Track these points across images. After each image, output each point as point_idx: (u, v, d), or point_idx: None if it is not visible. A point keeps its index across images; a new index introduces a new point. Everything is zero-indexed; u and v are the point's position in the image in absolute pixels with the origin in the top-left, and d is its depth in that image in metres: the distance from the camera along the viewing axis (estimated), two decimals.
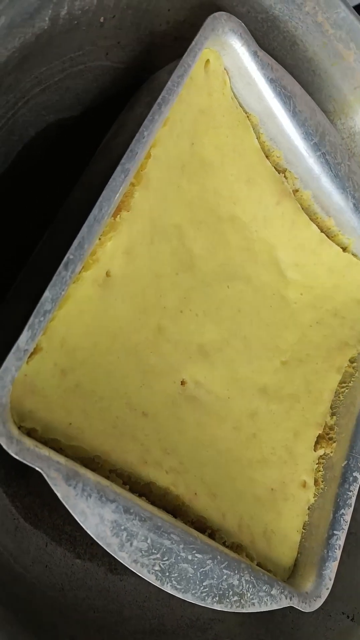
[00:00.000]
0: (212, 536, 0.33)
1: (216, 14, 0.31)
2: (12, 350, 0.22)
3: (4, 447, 0.22)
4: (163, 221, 0.33)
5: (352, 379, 0.41)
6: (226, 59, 0.34)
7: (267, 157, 0.38)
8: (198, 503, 0.32)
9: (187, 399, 0.34)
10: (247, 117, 0.36)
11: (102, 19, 0.30)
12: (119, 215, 0.29)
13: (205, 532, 0.33)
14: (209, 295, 0.36)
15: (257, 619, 0.36)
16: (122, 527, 0.26)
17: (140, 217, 0.31)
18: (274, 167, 0.38)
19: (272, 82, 0.34)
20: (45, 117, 0.31)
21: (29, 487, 0.31)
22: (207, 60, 0.33)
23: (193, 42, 0.30)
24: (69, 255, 0.24)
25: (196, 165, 0.35)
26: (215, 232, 0.36)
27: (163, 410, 0.33)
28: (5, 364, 0.22)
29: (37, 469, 0.23)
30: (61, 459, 0.24)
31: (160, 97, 0.28)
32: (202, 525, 0.32)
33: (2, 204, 0.31)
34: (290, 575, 0.36)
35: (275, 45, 0.38)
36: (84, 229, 0.25)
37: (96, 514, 0.25)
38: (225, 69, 0.34)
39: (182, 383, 0.34)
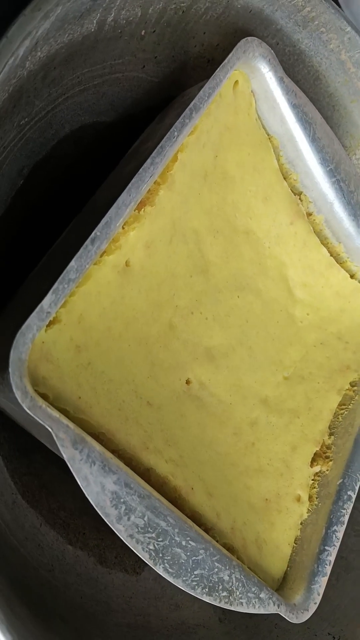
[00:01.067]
0: (207, 533, 0.33)
1: (249, 38, 0.34)
2: (36, 310, 0.24)
3: (19, 399, 0.23)
4: (183, 223, 0.34)
5: (352, 401, 0.42)
6: (254, 82, 0.36)
7: (284, 178, 0.40)
8: (194, 498, 0.32)
9: (191, 397, 0.35)
10: (269, 139, 0.38)
11: (143, 32, 0.32)
12: (143, 209, 0.31)
13: (200, 528, 0.33)
14: (219, 301, 0.38)
15: (242, 630, 0.36)
16: (122, 500, 0.26)
17: (162, 215, 0.32)
18: (291, 189, 0.40)
19: (295, 107, 0.37)
20: (81, 118, 0.33)
21: (29, 467, 0.32)
22: (236, 82, 0.36)
23: (226, 60, 0.32)
24: (96, 232, 0.26)
25: (218, 176, 0.37)
26: (230, 242, 0.38)
27: (167, 404, 0.33)
28: (28, 322, 0.23)
29: (47, 427, 0.24)
30: (70, 424, 0.25)
31: (192, 103, 0.31)
32: (197, 521, 0.33)
33: (33, 192, 0.33)
34: (278, 587, 0.36)
35: (300, 78, 0.41)
36: (113, 209, 0.27)
37: (98, 482, 0.25)
38: (252, 92, 0.37)
39: (187, 382, 0.35)
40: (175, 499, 0.32)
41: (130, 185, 0.27)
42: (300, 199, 0.40)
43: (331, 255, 0.43)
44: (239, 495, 0.36)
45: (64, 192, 0.35)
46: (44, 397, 0.26)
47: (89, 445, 0.25)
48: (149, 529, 0.27)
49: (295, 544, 0.37)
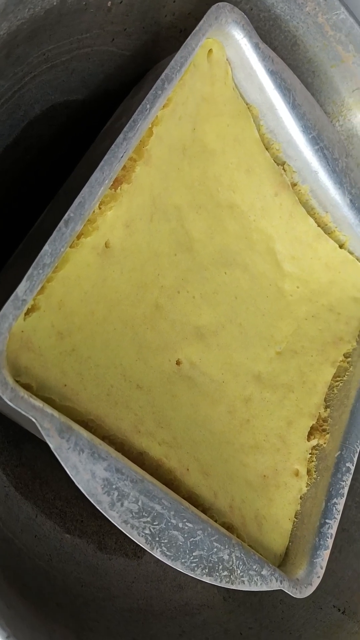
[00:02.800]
0: (204, 514, 0.32)
1: (220, 3, 0.32)
2: (11, 298, 0.23)
3: None
4: (163, 200, 0.34)
5: (347, 373, 0.41)
6: (228, 50, 0.35)
7: (266, 149, 0.39)
8: (190, 479, 0.32)
9: (181, 378, 0.35)
10: (248, 108, 0.37)
11: (109, 3, 0.31)
12: (120, 187, 0.30)
13: (197, 509, 0.32)
14: (206, 279, 0.37)
15: (246, 608, 0.36)
16: (114, 486, 0.26)
17: (140, 191, 0.31)
18: (273, 160, 0.39)
19: (273, 74, 0.36)
20: (51, 97, 0.32)
21: (21, 458, 0.31)
22: (210, 50, 0.34)
23: (197, 27, 0.31)
24: (69, 213, 0.25)
25: (197, 150, 0.36)
26: (214, 217, 0.37)
27: (157, 386, 0.33)
28: (3, 311, 0.23)
29: (30, 417, 0.23)
30: (55, 412, 0.24)
31: (164, 74, 0.29)
32: (194, 502, 0.32)
33: (6, 177, 0.32)
34: (281, 563, 0.36)
35: (277, 45, 0.39)
36: (85, 189, 0.26)
37: (88, 470, 0.25)
38: (227, 60, 0.35)
39: (178, 362, 0.35)
40: (171, 481, 0.32)
41: (103, 162, 0.26)
42: (284, 169, 0.39)
43: (319, 225, 0.42)
44: (235, 473, 0.36)
45: (39, 175, 0.34)
46: (27, 387, 0.25)
47: (76, 433, 0.25)
48: (144, 514, 0.27)
49: (296, 518, 0.37)
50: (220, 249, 0.38)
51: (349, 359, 0.42)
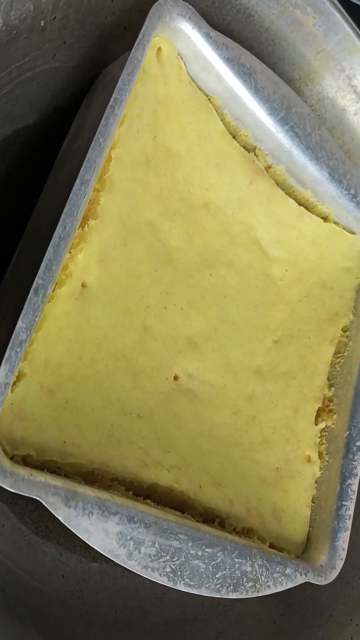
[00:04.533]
0: (222, 524, 0.33)
1: (161, 0, 0.30)
2: None
3: None
4: (134, 220, 0.32)
5: (347, 348, 0.41)
6: (178, 44, 0.32)
7: (234, 137, 0.37)
8: (204, 495, 0.33)
9: (181, 392, 0.35)
10: (209, 99, 0.35)
11: (42, 23, 0.29)
12: (86, 225, 0.29)
13: (215, 521, 0.33)
14: (191, 286, 0.36)
15: (276, 595, 0.37)
16: (128, 537, 0.26)
17: (109, 221, 0.30)
18: (243, 146, 0.37)
19: (229, 61, 0.33)
20: (0, 131, 0.31)
21: (36, 501, 0.32)
22: (159, 49, 0.32)
23: (140, 35, 0.29)
24: (37, 280, 0.24)
25: (162, 157, 0.34)
26: (190, 220, 0.36)
27: (158, 409, 0.33)
28: None
29: (34, 497, 0.23)
30: (58, 482, 0.24)
31: (112, 98, 0.28)
32: (210, 516, 0.33)
33: None
34: (303, 550, 0.37)
35: (230, 20, 0.37)
36: (50, 249, 0.25)
37: (100, 529, 0.25)
38: (178, 55, 0.33)
39: (175, 378, 0.35)
40: (185, 502, 0.32)
41: (63, 215, 0.25)
42: (255, 154, 0.38)
43: (300, 203, 0.40)
44: (248, 473, 0.36)
45: (4, 210, 0.33)
46: (26, 457, 0.25)
47: (82, 497, 0.25)
48: (162, 554, 0.27)
49: (313, 503, 0.38)
50: (202, 251, 0.37)
51: (348, 333, 0.41)
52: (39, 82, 0.31)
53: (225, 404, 0.36)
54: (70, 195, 0.26)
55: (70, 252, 0.28)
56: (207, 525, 0.32)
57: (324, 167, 0.38)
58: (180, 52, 0.33)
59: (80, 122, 0.33)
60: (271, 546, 0.35)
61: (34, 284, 0.24)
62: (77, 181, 0.26)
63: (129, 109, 0.30)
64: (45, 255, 0.25)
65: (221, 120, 0.36)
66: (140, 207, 0.33)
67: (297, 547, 0.36)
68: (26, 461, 0.25)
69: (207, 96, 0.35)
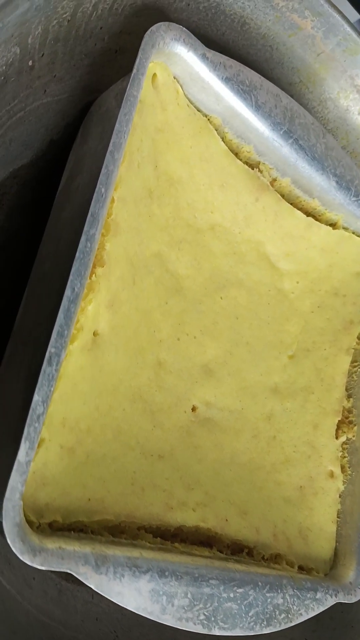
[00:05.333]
0: (250, 554, 0.33)
1: (153, 27, 0.28)
2: (15, 467, 0.22)
3: (29, 563, 0.22)
4: (140, 256, 0.31)
5: None
6: (174, 67, 0.31)
7: (236, 154, 0.36)
8: (230, 528, 0.33)
9: (200, 423, 0.34)
10: (208, 119, 0.34)
11: (30, 62, 0.27)
12: (94, 274, 0.28)
13: (243, 551, 0.33)
14: (202, 312, 0.35)
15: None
16: (161, 592, 0.26)
17: (116, 265, 0.29)
18: (247, 162, 0.36)
19: (228, 80, 0.32)
20: None
21: None
22: (154, 74, 0.31)
23: (134, 69, 0.27)
24: (50, 348, 0.23)
25: (164, 186, 0.33)
26: (197, 246, 0.35)
27: (178, 445, 0.32)
28: (10, 483, 0.22)
29: (65, 571, 0.23)
30: (87, 548, 0.24)
31: (111, 143, 0.26)
32: (238, 547, 0.33)
33: None
34: (332, 567, 0.37)
35: (225, 30, 0.35)
36: (60, 315, 0.24)
37: (132, 590, 0.25)
38: (175, 78, 0.32)
39: (193, 409, 0.34)
40: (212, 538, 0.32)
41: (71, 277, 0.24)
42: (259, 169, 0.36)
43: (307, 213, 0.39)
44: (272, 496, 0.36)
45: (7, 255, 0.32)
46: (52, 524, 0.25)
47: (112, 559, 0.25)
48: (195, 602, 0.27)
49: (339, 518, 0.38)
50: (211, 275, 0.36)
51: None
52: (32, 120, 0.30)
53: (245, 427, 0.36)
54: (77, 254, 0.25)
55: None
56: (236, 557, 0.33)
57: (330, 177, 0.37)
58: (176, 75, 0.31)
59: (77, 157, 0.32)
60: (300, 568, 0.35)
61: (47, 354, 0.23)
62: (82, 238, 0.25)
63: (128, 145, 0.29)
64: (57, 322, 0.24)
65: (222, 139, 0.35)
66: (147, 242, 0.32)
67: (325, 564, 0.37)
68: (52, 526, 0.25)
69: (206, 116, 0.34)
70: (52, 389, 0.23)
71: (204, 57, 0.31)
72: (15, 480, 0.22)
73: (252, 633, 0.29)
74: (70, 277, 0.24)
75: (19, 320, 0.30)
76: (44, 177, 0.32)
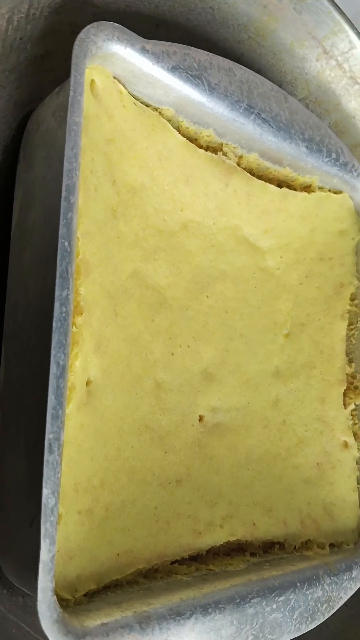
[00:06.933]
0: (282, 548, 0.34)
1: (81, 34, 0.25)
2: (40, 568, 0.21)
3: None
4: (117, 283, 0.29)
5: (359, 318, 0.39)
6: (113, 68, 0.27)
7: (196, 140, 0.33)
8: (259, 532, 0.32)
9: (210, 432, 0.33)
10: (159, 113, 0.30)
11: None
12: (74, 326, 0.26)
13: (274, 547, 0.33)
14: (191, 318, 0.33)
15: None
16: (208, 630, 0.26)
17: (95, 306, 0.27)
18: (208, 147, 0.33)
19: (175, 69, 0.28)
20: None
21: None
22: (92, 81, 0.27)
23: (71, 90, 0.24)
24: (48, 435, 0.22)
25: (127, 198, 0.30)
26: (173, 250, 0.33)
27: (194, 463, 0.32)
28: (40, 585, 0.21)
29: None
30: (128, 612, 0.24)
31: (64, 186, 0.23)
32: (269, 546, 0.33)
33: None
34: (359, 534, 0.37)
35: (158, 2, 0.31)
36: (51, 396, 0.22)
37: (182, 636, 0.25)
38: (115, 79, 0.28)
39: (200, 419, 0.33)
40: (244, 545, 0.32)
41: (53, 350, 0.22)
42: (223, 152, 0.33)
43: (280, 181, 0.37)
44: (292, 482, 0.36)
45: None
46: (89, 593, 0.25)
47: (154, 616, 0.24)
48: (242, 627, 0.27)
49: (359, 484, 0.38)
50: (193, 276, 0.34)
51: (357, 301, 0.39)
52: None
53: (254, 421, 0.35)
54: (54, 324, 0.22)
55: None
56: (269, 555, 0.33)
57: (300, 143, 0.34)
58: (117, 75, 0.28)
59: (26, 186, 0.29)
60: (331, 546, 0.35)
61: (46, 442, 0.22)
62: (56, 305, 0.23)
63: (81, 172, 0.26)
64: (48, 404, 0.22)
65: (178, 129, 0.31)
66: (120, 266, 0.29)
67: (353, 534, 0.37)
68: (87, 593, 0.25)
69: (157, 110, 0.30)
70: (59, 475, 0.22)
71: (143, 51, 0.27)
72: (44, 581, 0.21)
73: (299, 634, 0.30)
74: (53, 352, 0.22)
75: (4, 384, 0.28)
76: None
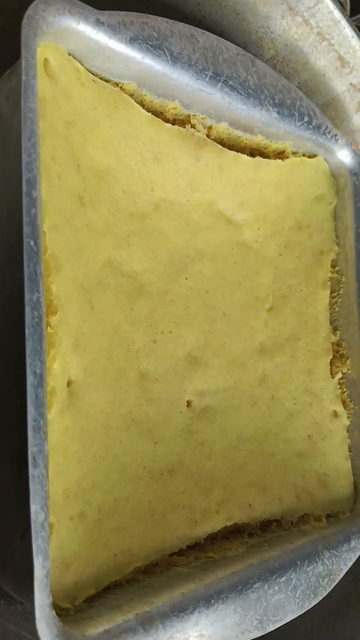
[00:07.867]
0: (279, 525, 0.33)
1: (29, 11, 0.23)
2: (35, 585, 0.20)
3: None
4: (91, 275, 0.28)
5: (341, 285, 0.38)
6: (67, 44, 0.25)
7: (161, 113, 0.31)
8: (255, 512, 0.32)
9: (199, 416, 0.32)
10: (121, 88, 0.28)
11: None
12: (49, 327, 0.24)
13: (272, 525, 0.33)
14: (171, 302, 0.32)
15: None
16: (212, 622, 0.26)
17: (69, 303, 0.26)
18: (175, 120, 0.31)
19: (133, 40, 0.26)
20: None
21: None
22: (45, 60, 0.25)
23: (23, 74, 0.22)
24: (31, 448, 0.21)
25: (94, 183, 0.28)
26: (147, 233, 0.31)
27: (185, 451, 0.31)
28: (37, 602, 0.20)
29: None
30: (130, 614, 0.23)
31: (24, 181, 0.22)
32: (267, 524, 0.33)
33: None
34: (355, 500, 0.37)
35: None
36: (30, 408, 0.21)
37: (186, 632, 0.25)
38: (70, 55, 0.26)
39: (188, 405, 0.32)
40: (242, 526, 0.32)
41: (28, 359, 0.21)
42: (191, 124, 0.32)
43: (252, 149, 0.35)
44: (285, 457, 0.35)
45: None
46: (88, 598, 0.24)
47: (157, 615, 0.24)
48: (245, 613, 0.27)
49: (351, 452, 0.38)
50: (170, 258, 0.32)
51: (337, 268, 0.38)
52: None
53: (243, 400, 0.35)
54: (26, 331, 0.21)
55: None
56: (267, 534, 0.32)
57: (270, 109, 0.33)
58: (72, 51, 0.26)
59: None
60: (327, 517, 0.35)
61: (30, 455, 0.21)
62: (27, 310, 0.21)
63: (42, 162, 0.24)
64: (28, 416, 0.21)
65: (141, 104, 0.29)
66: (93, 256, 0.28)
67: (348, 502, 0.37)
68: (86, 599, 0.24)
69: (117, 85, 0.28)
70: (46, 488, 0.21)
71: (98, 23, 0.25)
72: (40, 598, 0.20)
73: (303, 611, 0.30)
74: (28, 361, 0.21)
75: None
76: None
